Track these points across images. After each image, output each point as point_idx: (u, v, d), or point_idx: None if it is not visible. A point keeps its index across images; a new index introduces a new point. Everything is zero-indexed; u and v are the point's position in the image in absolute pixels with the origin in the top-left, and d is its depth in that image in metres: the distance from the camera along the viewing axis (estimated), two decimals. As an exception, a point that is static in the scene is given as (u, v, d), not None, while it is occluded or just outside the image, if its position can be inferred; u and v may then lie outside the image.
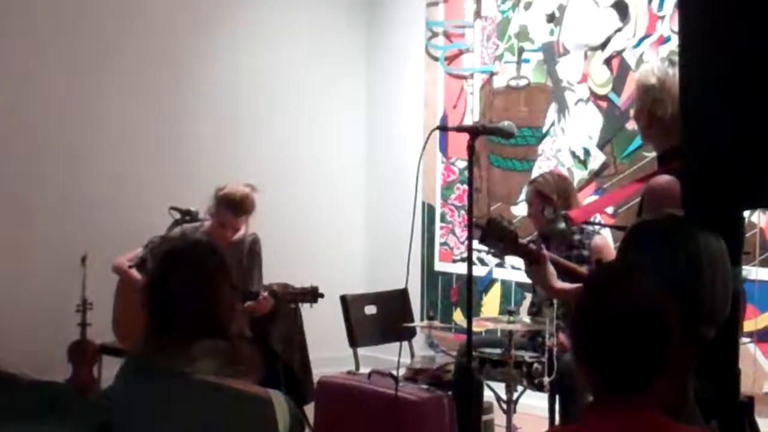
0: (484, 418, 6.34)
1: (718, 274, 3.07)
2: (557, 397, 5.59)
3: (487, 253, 5.38)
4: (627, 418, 2.39)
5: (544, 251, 4.24)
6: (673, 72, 3.59)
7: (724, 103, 3.06)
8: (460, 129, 5.06)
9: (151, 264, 6.08)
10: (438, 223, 8.43)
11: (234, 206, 6.10)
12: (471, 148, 4.56)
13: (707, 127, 3.11)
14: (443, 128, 7.59)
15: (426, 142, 5.15)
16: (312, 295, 5.94)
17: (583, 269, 4.91)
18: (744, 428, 3.26)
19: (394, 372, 5.79)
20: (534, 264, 4.19)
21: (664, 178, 3.47)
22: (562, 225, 5.12)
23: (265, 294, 5.96)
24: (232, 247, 6.15)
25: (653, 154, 3.98)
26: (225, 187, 6.15)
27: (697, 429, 2.73)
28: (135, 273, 6.15)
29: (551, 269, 4.16)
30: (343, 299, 6.60)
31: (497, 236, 4.35)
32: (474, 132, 4.62)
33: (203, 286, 2.76)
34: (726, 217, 3.27)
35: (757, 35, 3.01)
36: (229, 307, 2.81)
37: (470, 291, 4.75)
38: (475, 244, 4.87)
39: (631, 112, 3.92)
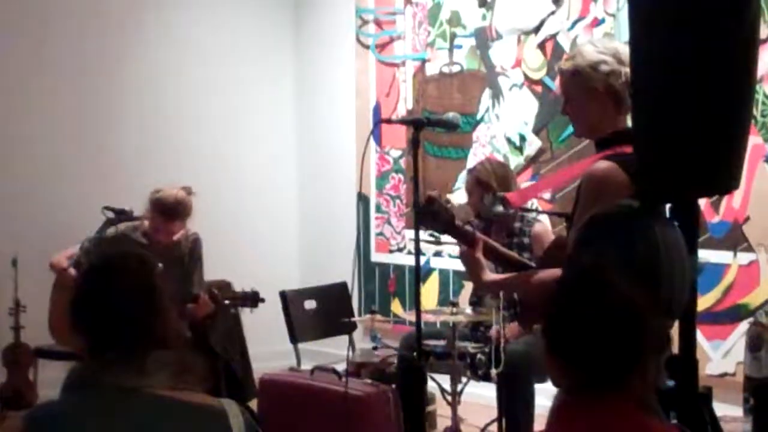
0: (428, 409, 6.32)
1: (676, 264, 3.03)
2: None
3: (428, 236, 5.26)
4: (604, 416, 2.35)
5: (480, 235, 4.08)
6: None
7: (675, 89, 3.02)
8: (404, 122, 4.98)
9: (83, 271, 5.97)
10: (373, 214, 8.36)
11: (166, 211, 5.93)
12: (415, 141, 4.46)
13: (659, 114, 3.07)
14: (386, 121, 7.47)
15: (369, 138, 5.07)
16: (252, 300, 5.86)
17: (523, 258, 4.84)
18: (704, 419, 3.23)
19: (336, 367, 5.73)
20: (468, 247, 4.01)
21: (604, 165, 3.38)
22: (499, 208, 5.03)
23: (205, 297, 5.85)
24: (172, 246, 6.03)
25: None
26: (160, 190, 5.98)
27: (673, 427, 2.69)
28: (73, 272, 6.01)
29: (482, 260, 3.99)
30: (283, 295, 6.52)
31: (433, 216, 4.18)
32: (418, 124, 4.53)
33: (139, 300, 2.66)
34: (681, 206, 3.24)
35: (708, 20, 2.98)
36: (168, 317, 2.71)
37: (418, 283, 4.64)
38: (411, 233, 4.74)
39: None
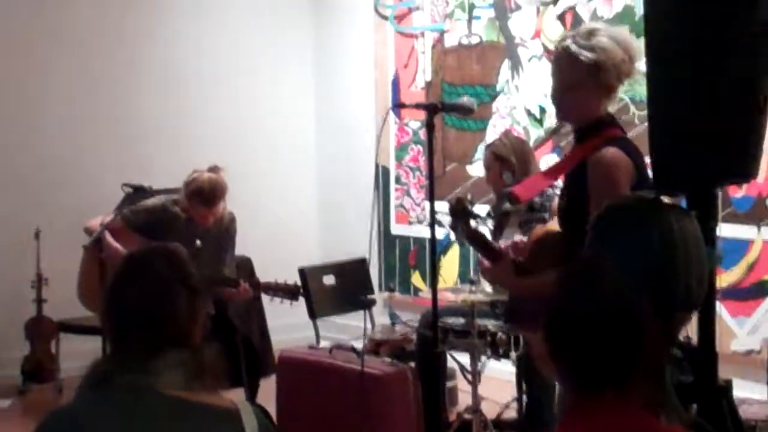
0: (448, 385, 6.31)
1: (693, 257, 2.97)
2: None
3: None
4: (607, 419, 2.31)
5: (505, 248, 4.08)
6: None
7: (691, 77, 2.99)
8: (418, 106, 4.88)
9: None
10: (393, 185, 8.32)
11: (208, 200, 5.90)
12: (430, 126, 4.42)
13: (675, 102, 3.04)
14: (401, 105, 7.39)
15: (384, 122, 5.02)
16: (293, 293, 5.77)
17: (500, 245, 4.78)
18: (723, 413, 3.19)
19: (355, 344, 5.70)
20: (494, 262, 4.00)
21: (610, 152, 3.52)
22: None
23: (246, 285, 5.80)
24: (211, 226, 5.99)
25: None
26: (192, 179, 5.91)
27: (679, 428, 2.64)
28: (108, 236, 5.93)
29: (509, 268, 3.93)
30: (302, 272, 6.47)
31: (461, 219, 4.19)
32: (432, 109, 4.48)
33: (158, 298, 2.63)
34: (698, 195, 3.19)
35: (723, 6, 2.95)
36: (190, 317, 2.68)
37: (434, 263, 4.62)
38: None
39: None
